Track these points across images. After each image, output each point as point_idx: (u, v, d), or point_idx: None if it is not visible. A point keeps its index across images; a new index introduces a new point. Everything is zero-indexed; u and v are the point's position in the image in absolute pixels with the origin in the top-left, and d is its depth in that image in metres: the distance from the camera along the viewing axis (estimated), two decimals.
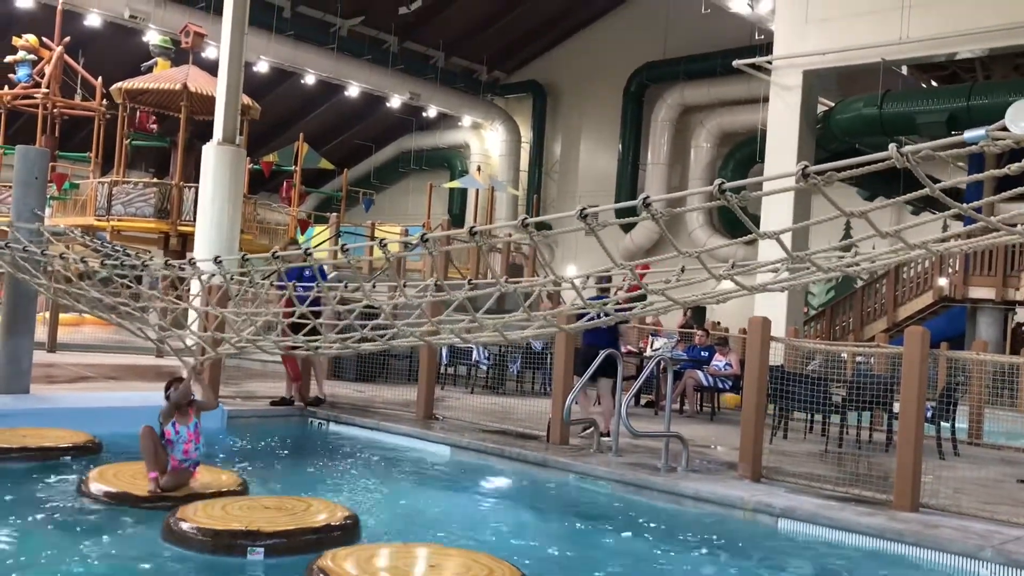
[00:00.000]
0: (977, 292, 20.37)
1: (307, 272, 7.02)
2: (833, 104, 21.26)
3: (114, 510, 5.50)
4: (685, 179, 30.89)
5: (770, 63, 19.56)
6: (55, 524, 5.19)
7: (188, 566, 4.62)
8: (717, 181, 3.04)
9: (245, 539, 4.77)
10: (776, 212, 17.31)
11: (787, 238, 3.65)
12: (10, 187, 11.84)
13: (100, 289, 6.72)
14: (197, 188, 17.54)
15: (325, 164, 26.83)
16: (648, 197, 3.11)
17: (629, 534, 6.09)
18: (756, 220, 18.45)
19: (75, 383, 10.68)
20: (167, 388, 5.96)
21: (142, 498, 5.62)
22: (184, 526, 4.90)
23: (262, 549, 4.72)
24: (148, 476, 5.69)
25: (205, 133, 18.32)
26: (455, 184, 29.38)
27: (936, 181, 3.25)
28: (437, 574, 4.24)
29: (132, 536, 5.10)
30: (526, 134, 36.12)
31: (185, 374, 6.13)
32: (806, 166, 2.93)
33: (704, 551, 5.71)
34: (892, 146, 2.89)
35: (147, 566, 4.60)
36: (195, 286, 7.94)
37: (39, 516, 5.31)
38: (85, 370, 12.05)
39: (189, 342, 6.84)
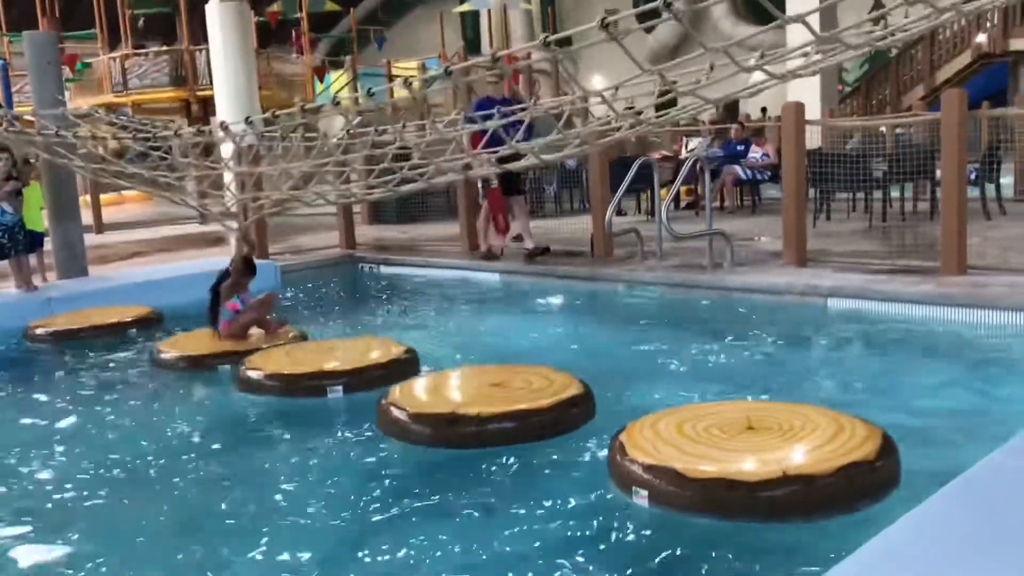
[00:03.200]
0: (1019, 44, 19.56)
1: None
2: None
3: (185, 372, 5.74)
4: None
5: None
6: (132, 390, 5.47)
7: (270, 411, 4.86)
8: None
9: (324, 379, 4.97)
10: None
11: (815, 18, 3.55)
12: (25, 75, 11.79)
13: (136, 164, 6.81)
14: (208, 50, 17.27)
15: (330, 6, 26.06)
16: None
17: (683, 332, 6.28)
18: (783, 5, 17.72)
19: (129, 259, 10.99)
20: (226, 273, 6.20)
21: (209, 357, 5.85)
22: (257, 374, 5.11)
23: (341, 387, 4.93)
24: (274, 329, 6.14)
25: None
26: (466, 7, 28.33)
27: None
28: (500, 391, 4.41)
29: (207, 392, 5.38)
30: None
31: (233, 241, 6.32)
32: None
33: (757, 338, 5.89)
34: None
35: (228, 416, 4.87)
36: (225, 150, 7.99)
37: (116, 385, 5.59)
38: (136, 246, 12.36)
39: (232, 205, 6.97)
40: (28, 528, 3.56)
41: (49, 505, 3.78)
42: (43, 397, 5.49)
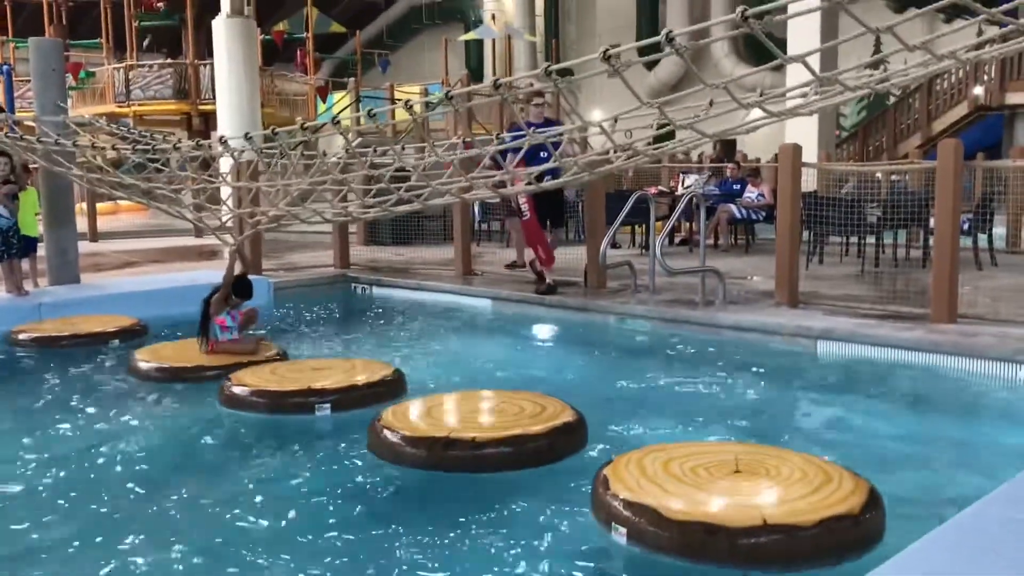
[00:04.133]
0: (1015, 98, 19.80)
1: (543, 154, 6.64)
2: None
3: (164, 385, 5.68)
4: (708, 6, 29.81)
5: None
6: (111, 402, 5.40)
7: (257, 427, 4.82)
8: (739, 9, 2.97)
9: (313, 397, 4.94)
10: (803, 33, 16.78)
11: (815, 60, 3.59)
12: (28, 81, 11.83)
13: (133, 175, 6.82)
14: (212, 65, 17.35)
15: (336, 28, 26.30)
16: (671, 32, 3.06)
17: (673, 367, 6.28)
18: (783, 43, 17.93)
19: (122, 269, 10.97)
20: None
21: (188, 370, 5.82)
22: (243, 390, 5.06)
23: (329, 405, 4.90)
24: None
25: (213, 6, 17.94)
26: (471, 36, 28.60)
27: None
28: (492, 416, 4.41)
29: (190, 406, 5.29)
30: None
31: (227, 254, 6.31)
32: None
33: (746, 377, 5.89)
34: None
35: (215, 431, 4.82)
36: (224, 164, 8.00)
37: (94, 396, 5.53)
38: (129, 256, 12.34)
39: (227, 219, 6.97)
40: None
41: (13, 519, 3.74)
42: (12, 404, 5.45)
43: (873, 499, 3.35)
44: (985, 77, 20.02)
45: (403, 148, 4.80)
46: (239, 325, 6.17)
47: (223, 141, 5.43)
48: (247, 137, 5.05)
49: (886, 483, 3.56)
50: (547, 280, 8.38)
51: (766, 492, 3.39)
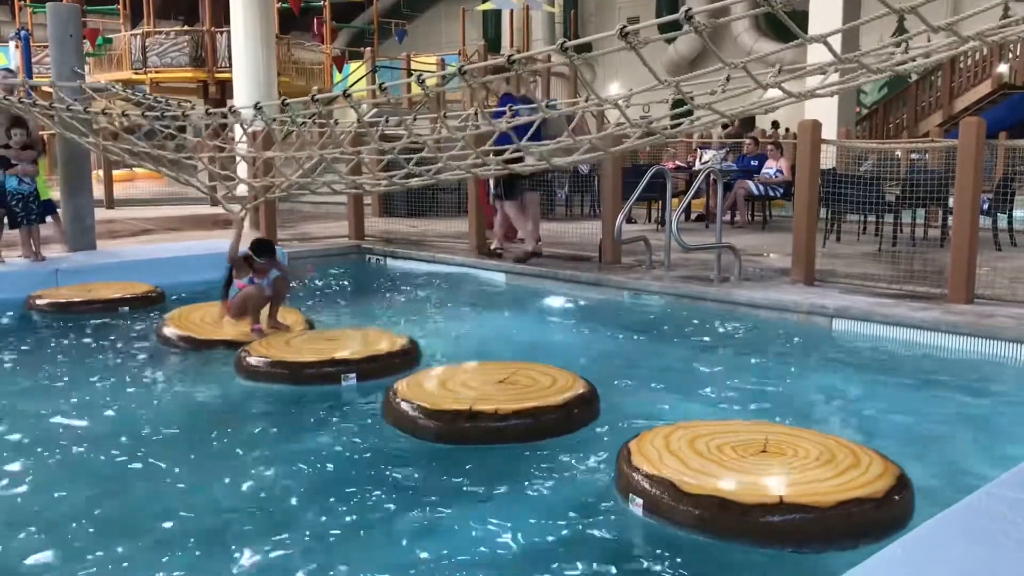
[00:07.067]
0: None
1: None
2: None
3: (188, 353, 5.73)
4: None
5: None
6: (137, 369, 5.45)
7: (284, 397, 4.83)
8: None
9: (339, 366, 4.97)
10: (825, 10, 16.54)
11: (836, 40, 3.52)
12: (46, 47, 11.82)
13: (146, 142, 6.82)
14: (229, 32, 17.29)
15: None
16: (690, 10, 3.01)
17: (686, 343, 6.26)
18: (805, 19, 17.70)
19: (138, 236, 11.01)
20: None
21: (209, 341, 5.79)
22: (262, 361, 5.07)
23: (354, 375, 4.92)
24: (253, 327, 5.86)
25: None
26: (488, 6, 28.28)
27: None
28: (507, 388, 4.41)
29: (213, 375, 5.31)
30: None
31: (235, 225, 6.19)
32: None
33: (760, 354, 5.87)
34: None
35: (228, 401, 4.85)
36: (237, 133, 7.99)
37: (117, 362, 5.58)
38: (145, 223, 12.38)
39: (242, 188, 6.96)
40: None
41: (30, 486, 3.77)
42: (30, 369, 5.49)
43: (900, 484, 3.30)
44: (1010, 55, 19.69)
45: (415, 120, 4.76)
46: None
47: (232, 110, 5.40)
48: (257, 107, 5.02)
49: (910, 465, 3.53)
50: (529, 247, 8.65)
51: (788, 471, 3.37)
